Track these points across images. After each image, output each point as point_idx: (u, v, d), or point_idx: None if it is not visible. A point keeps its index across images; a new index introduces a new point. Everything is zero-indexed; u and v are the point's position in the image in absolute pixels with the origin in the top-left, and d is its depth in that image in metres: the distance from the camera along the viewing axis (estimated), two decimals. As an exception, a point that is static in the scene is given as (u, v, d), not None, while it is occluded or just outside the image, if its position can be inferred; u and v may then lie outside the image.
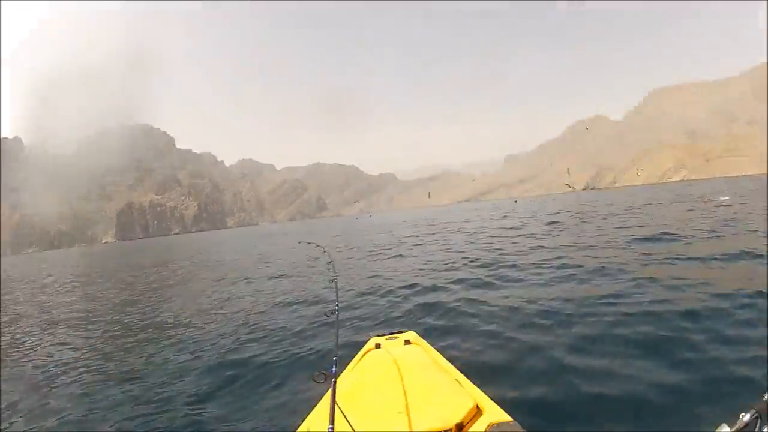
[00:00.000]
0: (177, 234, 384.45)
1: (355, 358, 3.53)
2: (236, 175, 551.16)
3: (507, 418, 2.42)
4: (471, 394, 2.68)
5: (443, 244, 17.19)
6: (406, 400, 2.55)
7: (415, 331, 3.82)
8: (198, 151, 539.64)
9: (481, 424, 2.38)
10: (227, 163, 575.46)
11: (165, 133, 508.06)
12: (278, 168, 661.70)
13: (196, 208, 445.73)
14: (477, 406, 2.53)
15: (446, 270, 10.60)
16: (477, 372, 3.09)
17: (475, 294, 7.61)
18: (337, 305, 3.55)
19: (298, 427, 2.62)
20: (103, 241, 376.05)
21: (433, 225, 33.81)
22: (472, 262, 11.40)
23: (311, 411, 2.84)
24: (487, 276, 9.16)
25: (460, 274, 9.65)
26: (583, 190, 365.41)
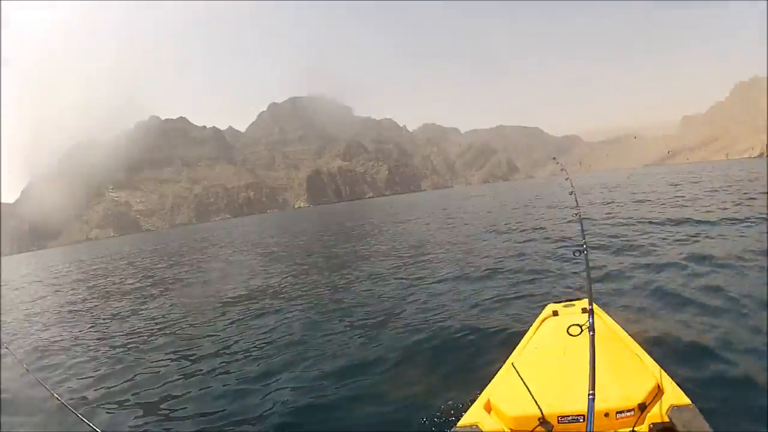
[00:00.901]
0: (371, 197, 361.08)
1: (532, 326, 3.52)
2: (421, 140, 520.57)
3: (686, 400, 2.31)
4: (652, 371, 2.57)
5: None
6: (584, 374, 2.43)
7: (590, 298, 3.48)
8: (377, 118, 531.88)
9: (662, 405, 2.28)
10: (410, 128, 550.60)
11: (340, 102, 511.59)
12: (462, 131, 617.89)
13: (387, 171, 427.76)
14: (658, 385, 2.42)
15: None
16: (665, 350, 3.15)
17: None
18: (584, 245, 3.68)
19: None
20: (296, 206, 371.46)
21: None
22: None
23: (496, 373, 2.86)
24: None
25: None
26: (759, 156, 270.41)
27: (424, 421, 3.81)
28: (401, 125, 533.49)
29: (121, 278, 19.80)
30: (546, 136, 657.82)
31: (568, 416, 2.31)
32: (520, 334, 3.56)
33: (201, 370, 6.02)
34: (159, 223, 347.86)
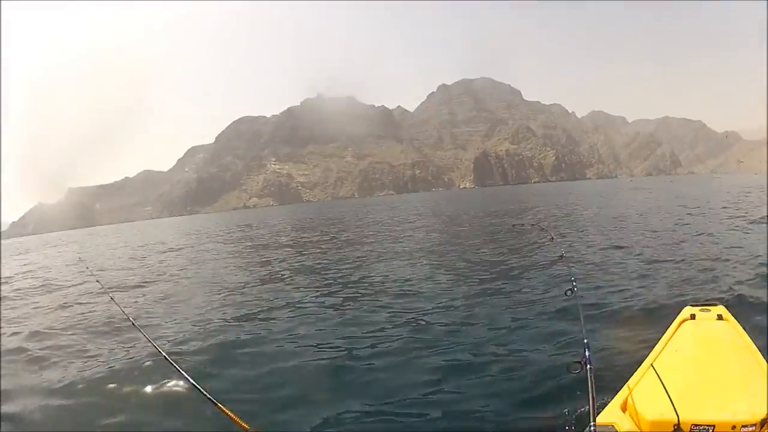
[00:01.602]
0: (536, 182, 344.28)
1: (670, 327, 3.54)
2: (589, 127, 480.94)
3: None
4: None
5: None
6: (717, 384, 2.51)
7: (726, 306, 3.77)
8: (546, 102, 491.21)
9: None
10: (578, 115, 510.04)
11: (509, 86, 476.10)
12: (629, 120, 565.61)
13: (554, 158, 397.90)
14: None
15: None
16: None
17: None
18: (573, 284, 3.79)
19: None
20: (461, 186, 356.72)
21: None
22: None
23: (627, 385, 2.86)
24: None
25: None
26: None
27: (565, 416, 3.95)
28: (570, 111, 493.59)
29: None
30: (708, 130, 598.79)
31: (701, 425, 2.31)
32: (658, 335, 3.61)
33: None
34: (320, 195, 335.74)
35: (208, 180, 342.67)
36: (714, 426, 2.29)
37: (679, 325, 3.51)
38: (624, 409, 2.66)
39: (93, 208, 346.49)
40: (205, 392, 2.10)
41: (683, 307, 3.75)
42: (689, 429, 2.31)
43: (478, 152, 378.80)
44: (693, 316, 3.54)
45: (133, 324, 3.58)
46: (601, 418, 2.59)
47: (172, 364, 2.51)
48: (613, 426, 2.48)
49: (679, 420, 2.30)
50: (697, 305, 3.74)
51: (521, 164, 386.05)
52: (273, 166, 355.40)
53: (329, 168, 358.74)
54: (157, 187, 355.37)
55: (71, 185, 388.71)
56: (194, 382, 2.23)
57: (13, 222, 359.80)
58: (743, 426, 2.26)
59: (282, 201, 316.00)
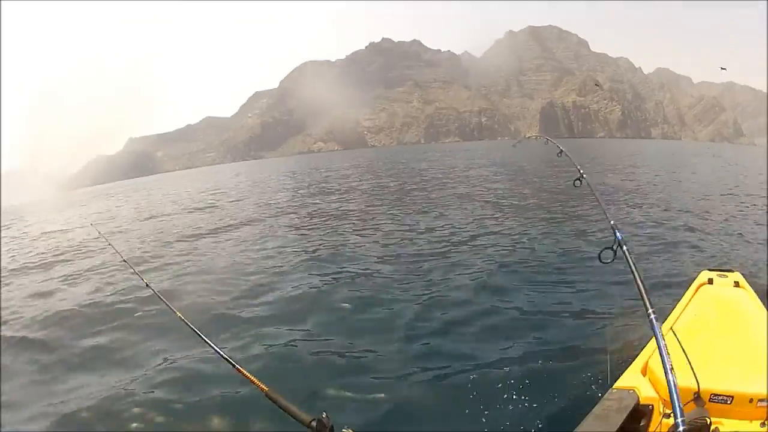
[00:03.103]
0: (602, 137, 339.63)
1: (688, 291, 3.52)
2: (655, 84, 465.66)
3: None
4: None
5: None
6: (736, 353, 2.47)
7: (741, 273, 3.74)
8: (613, 55, 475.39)
9: None
10: (644, 71, 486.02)
11: (577, 35, 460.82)
12: (695, 82, 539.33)
13: (620, 113, 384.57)
14: None
15: None
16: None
17: None
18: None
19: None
20: (527, 136, 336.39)
21: None
22: None
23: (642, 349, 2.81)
24: None
25: None
26: None
27: (585, 379, 4.01)
28: (636, 66, 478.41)
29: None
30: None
31: (720, 395, 2.26)
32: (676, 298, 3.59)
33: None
34: (386, 140, 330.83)
35: (272, 125, 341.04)
36: (733, 397, 2.23)
37: (697, 289, 3.44)
38: (644, 372, 2.58)
39: (154, 156, 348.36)
40: (221, 353, 2.07)
41: (701, 271, 3.72)
42: (708, 398, 2.24)
43: (545, 102, 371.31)
44: (711, 281, 3.48)
45: (147, 286, 3.42)
46: (621, 382, 2.55)
47: (188, 325, 2.44)
48: (634, 390, 2.43)
49: (699, 388, 2.24)
50: (713, 270, 3.69)
51: (587, 117, 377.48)
52: (338, 110, 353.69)
53: (395, 113, 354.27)
54: (220, 133, 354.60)
55: (132, 135, 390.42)
56: (211, 343, 2.17)
57: (72, 175, 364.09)
58: (760, 400, 2.20)
59: (347, 145, 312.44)
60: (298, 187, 29.81)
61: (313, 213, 16.43)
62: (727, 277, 3.52)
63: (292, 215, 16.43)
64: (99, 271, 10.92)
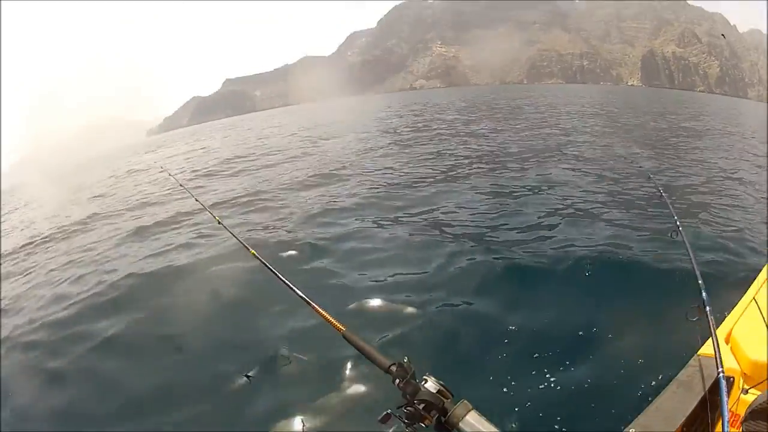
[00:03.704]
0: (701, 91, 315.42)
1: (757, 279, 3.36)
2: (750, 44, 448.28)
3: None
4: None
5: None
6: None
7: None
8: (709, 10, 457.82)
9: None
10: (739, 30, 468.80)
11: None
12: None
13: (719, 69, 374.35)
14: None
15: None
16: None
17: None
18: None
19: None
20: (629, 83, 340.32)
21: None
22: None
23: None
24: None
25: None
26: None
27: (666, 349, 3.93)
28: (732, 24, 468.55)
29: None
30: None
31: None
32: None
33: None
34: (488, 79, 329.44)
35: (371, 63, 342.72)
36: None
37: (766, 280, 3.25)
38: (727, 341, 2.46)
39: (252, 95, 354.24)
40: (298, 292, 2.02)
41: None
42: None
43: (645, 50, 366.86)
44: None
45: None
46: (706, 349, 2.44)
47: (262, 261, 2.41)
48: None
49: None
50: None
51: (687, 69, 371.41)
52: (439, 48, 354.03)
53: (496, 52, 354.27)
54: (318, 71, 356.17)
55: (228, 76, 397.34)
56: (288, 282, 2.11)
57: (166, 117, 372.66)
58: None
59: (449, 83, 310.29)
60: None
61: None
62: None
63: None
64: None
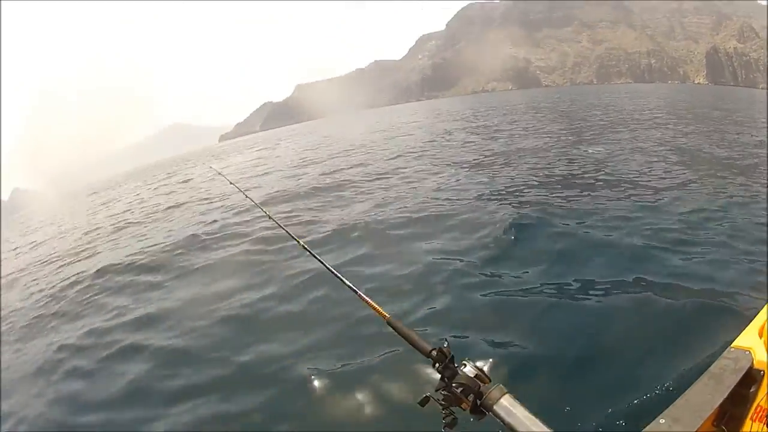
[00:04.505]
0: (763, 89, 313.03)
1: None
2: None
3: None
4: None
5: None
6: None
7: None
8: (762, 3, 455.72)
9: None
10: None
11: None
12: None
13: None
14: None
15: None
16: None
17: None
18: None
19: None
20: (696, 82, 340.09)
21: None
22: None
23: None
24: None
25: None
26: None
27: (697, 341, 3.99)
28: None
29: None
30: None
31: None
32: None
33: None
34: (559, 80, 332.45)
35: (443, 65, 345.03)
36: None
37: None
38: (761, 334, 2.43)
39: (324, 100, 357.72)
40: (344, 280, 2.03)
41: None
42: None
43: (709, 47, 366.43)
44: None
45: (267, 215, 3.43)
46: (740, 341, 2.42)
47: (308, 250, 2.40)
48: (750, 352, 2.29)
49: None
50: None
51: (749, 66, 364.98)
52: (509, 50, 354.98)
53: (565, 53, 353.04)
54: (390, 75, 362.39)
55: (299, 83, 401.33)
56: (334, 270, 2.13)
57: (238, 123, 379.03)
58: None
59: (521, 85, 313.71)
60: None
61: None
62: None
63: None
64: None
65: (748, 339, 2.38)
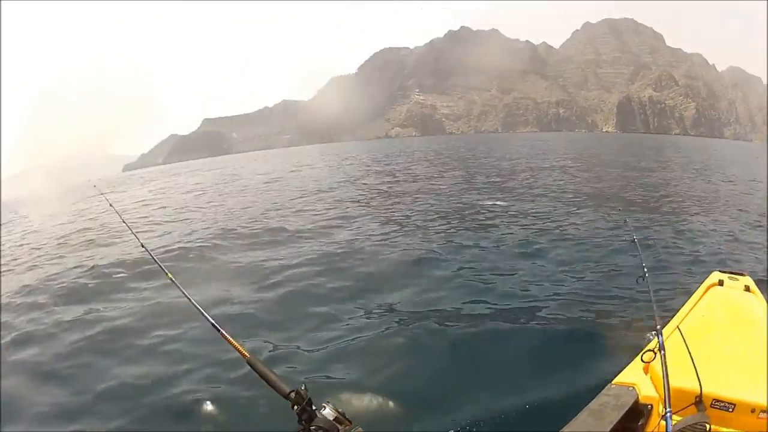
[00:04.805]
0: (677, 134, 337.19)
1: (697, 291, 3.46)
2: (728, 83, 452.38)
3: None
4: None
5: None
6: (742, 359, 2.40)
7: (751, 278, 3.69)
8: (688, 51, 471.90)
9: None
10: (718, 68, 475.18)
11: (652, 29, 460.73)
12: (764, 82, 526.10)
13: (695, 111, 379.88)
14: None
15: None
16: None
17: None
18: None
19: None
20: (603, 130, 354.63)
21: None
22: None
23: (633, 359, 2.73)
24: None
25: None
26: None
27: (584, 375, 4.10)
28: (710, 63, 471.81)
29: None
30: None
31: (722, 402, 2.17)
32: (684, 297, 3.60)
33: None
34: (464, 127, 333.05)
35: (350, 109, 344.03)
36: (735, 405, 2.14)
37: (707, 289, 3.38)
38: (646, 371, 2.48)
39: (230, 137, 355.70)
40: (208, 316, 2.04)
41: (711, 272, 3.71)
42: (710, 403, 2.16)
43: (622, 96, 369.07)
44: (721, 283, 3.43)
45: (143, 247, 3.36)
46: (622, 378, 2.47)
47: (176, 284, 2.41)
48: (633, 388, 2.35)
49: (701, 392, 2.15)
50: (725, 272, 3.68)
51: (663, 113, 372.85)
52: (417, 96, 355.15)
53: (473, 101, 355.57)
54: (297, 116, 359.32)
55: (207, 116, 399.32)
56: (198, 306, 2.13)
57: (143, 154, 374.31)
58: (762, 411, 2.10)
59: (424, 132, 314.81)
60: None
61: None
62: (738, 280, 3.53)
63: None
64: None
65: (631, 375, 2.47)
